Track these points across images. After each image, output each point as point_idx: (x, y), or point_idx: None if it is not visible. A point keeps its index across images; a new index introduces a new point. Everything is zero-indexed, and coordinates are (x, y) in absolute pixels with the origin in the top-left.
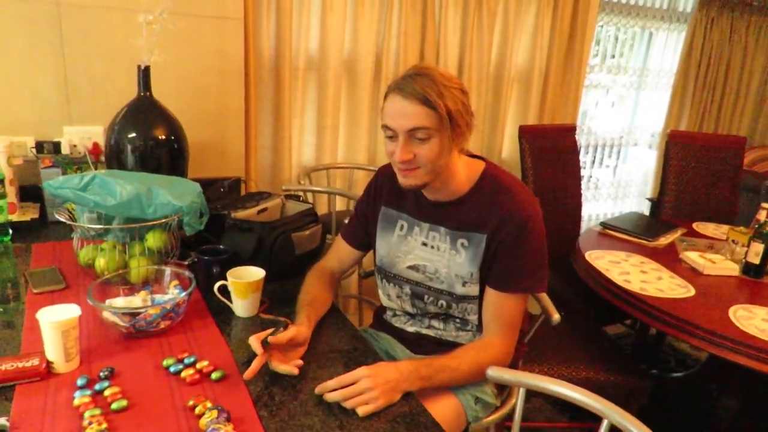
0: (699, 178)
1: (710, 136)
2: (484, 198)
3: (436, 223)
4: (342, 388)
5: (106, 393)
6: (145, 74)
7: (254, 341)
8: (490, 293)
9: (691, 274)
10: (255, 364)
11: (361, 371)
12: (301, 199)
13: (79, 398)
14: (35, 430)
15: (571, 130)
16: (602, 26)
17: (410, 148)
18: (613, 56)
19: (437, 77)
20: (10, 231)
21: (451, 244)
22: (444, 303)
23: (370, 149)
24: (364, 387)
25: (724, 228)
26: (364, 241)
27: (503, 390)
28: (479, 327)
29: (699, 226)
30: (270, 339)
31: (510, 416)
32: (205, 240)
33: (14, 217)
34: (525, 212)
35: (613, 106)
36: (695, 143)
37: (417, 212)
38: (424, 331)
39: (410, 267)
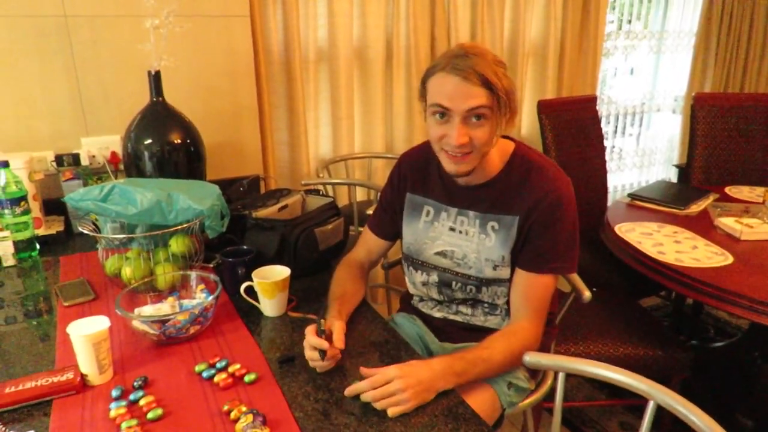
0: (729, 141)
1: (738, 96)
2: (515, 179)
3: (464, 207)
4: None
5: (142, 402)
6: (156, 79)
7: (315, 339)
8: (520, 275)
9: (728, 240)
10: (328, 361)
11: (392, 372)
12: (321, 193)
13: (115, 410)
14: None
15: (591, 101)
16: None
17: (466, 131)
18: (630, 21)
19: (490, 57)
20: (38, 246)
21: (480, 228)
22: (473, 288)
23: (387, 137)
24: (396, 388)
25: (759, 190)
26: (391, 230)
27: (536, 373)
28: (508, 311)
29: (732, 190)
30: (336, 343)
31: (547, 398)
32: (229, 241)
33: (40, 232)
34: (558, 192)
35: (632, 73)
36: (722, 104)
37: (444, 197)
38: (452, 317)
39: (438, 253)
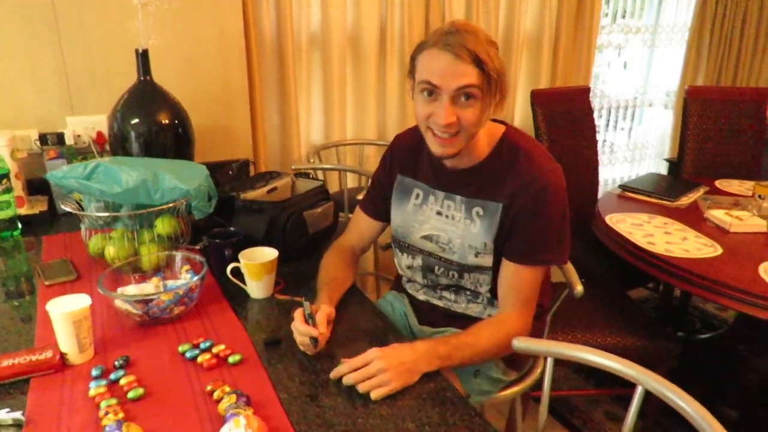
0: (720, 134)
1: (730, 90)
2: (502, 164)
3: (451, 191)
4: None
5: (122, 382)
6: (143, 58)
7: (303, 327)
8: (507, 266)
9: (717, 232)
10: (320, 345)
11: (372, 353)
12: (311, 176)
13: (95, 389)
14: (51, 423)
15: (584, 92)
16: None
17: (454, 110)
18: (624, 15)
19: (482, 36)
20: (20, 225)
21: (466, 213)
22: (455, 274)
23: (379, 124)
24: (376, 369)
25: (749, 184)
26: (383, 211)
27: (515, 364)
28: (490, 300)
29: (722, 183)
30: (318, 327)
31: (533, 387)
32: (216, 224)
33: (23, 211)
34: (544, 179)
35: (626, 67)
36: (715, 98)
37: (433, 180)
38: (435, 302)
39: (424, 237)
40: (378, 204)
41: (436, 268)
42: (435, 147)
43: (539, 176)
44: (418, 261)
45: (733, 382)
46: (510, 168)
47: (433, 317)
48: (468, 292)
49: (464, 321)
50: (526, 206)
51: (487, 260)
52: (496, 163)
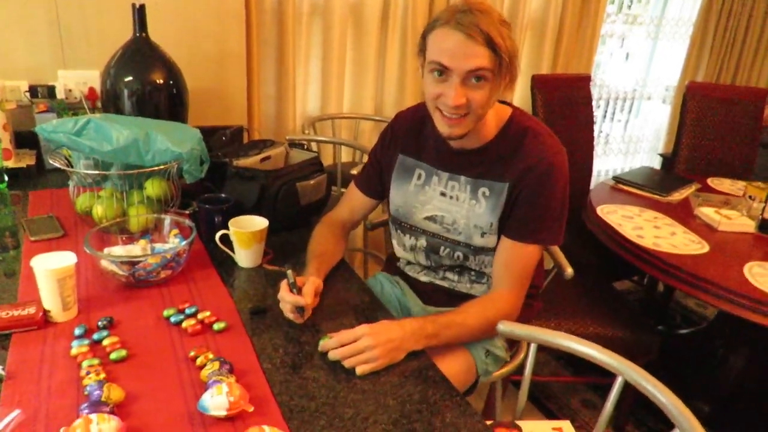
0: (716, 132)
1: (730, 88)
2: (509, 145)
3: (456, 172)
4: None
5: (105, 343)
6: (140, 13)
7: (290, 296)
8: (505, 242)
9: (706, 230)
10: (307, 314)
11: (361, 329)
12: (305, 147)
13: (77, 348)
14: (32, 379)
15: (585, 79)
16: None
17: (464, 92)
18: (630, 6)
19: (495, 16)
20: (6, 178)
21: (471, 194)
22: (461, 254)
23: (377, 99)
24: (365, 345)
25: (741, 184)
26: (378, 189)
27: (513, 344)
28: None
29: (714, 182)
30: (305, 297)
31: (517, 371)
32: (207, 189)
33: (10, 164)
34: (551, 160)
35: (628, 58)
36: (714, 95)
37: (436, 161)
38: (438, 282)
39: (427, 218)
40: (373, 181)
41: (442, 249)
42: (443, 127)
43: (546, 156)
44: (422, 242)
45: (708, 377)
46: (518, 149)
47: (436, 298)
48: (473, 273)
49: (468, 300)
50: (531, 185)
51: (493, 240)
52: (504, 144)
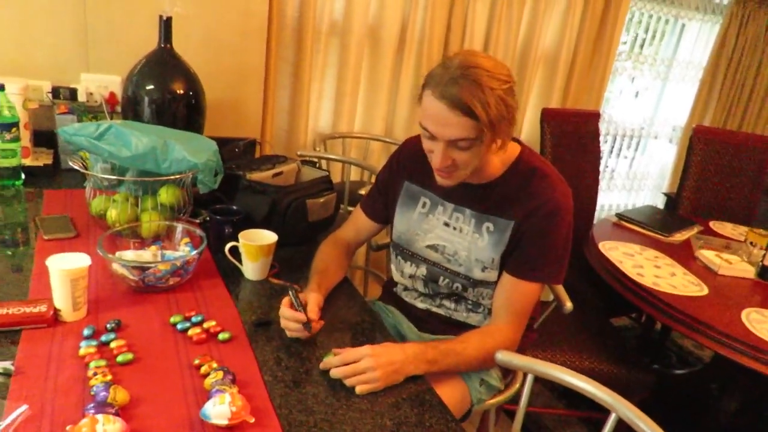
0: (720, 176)
1: (736, 134)
2: (516, 183)
3: (461, 204)
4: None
5: (112, 345)
6: (166, 25)
7: (290, 312)
8: (506, 279)
9: (706, 272)
10: (315, 330)
11: (364, 350)
12: (317, 165)
13: (85, 348)
14: (40, 376)
15: (594, 116)
16: (635, 12)
17: (449, 154)
18: (642, 45)
19: (483, 79)
20: (23, 175)
21: (475, 227)
22: (459, 285)
23: (388, 120)
24: (366, 366)
25: (742, 229)
26: (382, 214)
27: (507, 374)
28: (491, 311)
29: (716, 225)
30: (310, 317)
31: (511, 400)
32: (218, 200)
33: (27, 162)
34: (557, 201)
35: (637, 96)
36: (720, 139)
37: (442, 191)
38: (435, 310)
39: (429, 246)
40: (378, 206)
41: (441, 278)
42: (437, 178)
43: (553, 198)
44: (422, 270)
45: (701, 419)
46: (525, 188)
47: (432, 325)
48: (469, 302)
49: (464, 329)
50: (536, 225)
51: (493, 275)
52: (511, 182)
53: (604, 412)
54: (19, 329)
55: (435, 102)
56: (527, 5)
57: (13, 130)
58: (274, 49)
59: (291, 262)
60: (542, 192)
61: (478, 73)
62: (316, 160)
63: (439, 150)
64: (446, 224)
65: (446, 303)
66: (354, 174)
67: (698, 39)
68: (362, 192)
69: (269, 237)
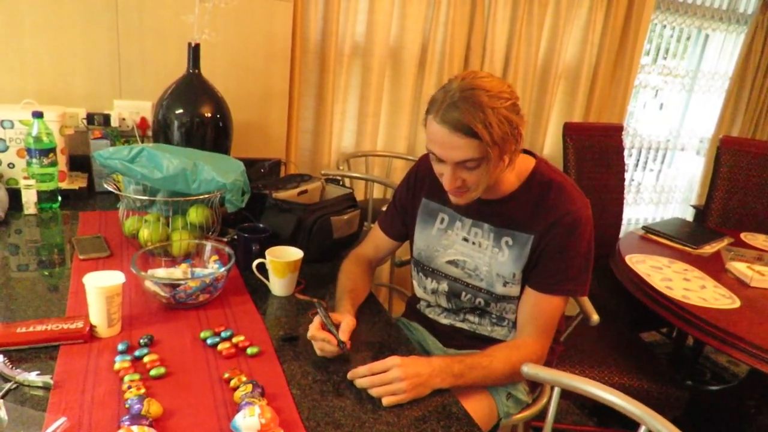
0: (749, 187)
1: (765, 144)
2: (533, 197)
3: (479, 219)
4: (373, 375)
5: (146, 360)
6: (195, 52)
7: (321, 333)
8: (530, 293)
9: (737, 285)
10: (347, 349)
11: (392, 360)
12: (340, 183)
13: (120, 363)
14: (77, 390)
15: (617, 130)
16: (656, 25)
17: (459, 175)
18: (665, 57)
19: (483, 100)
20: (59, 198)
21: (494, 242)
22: (482, 301)
23: (410, 138)
24: (394, 377)
25: None
26: (400, 231)
27: (535, 388)
28: (515, 324)
29: (747, 237)
30: (342, 338)
31: (539, 416)
32: (245, 218)
33: (64, 185)
34: (577, 213)
35: (662, 108)
36: (748, 150)
37: (460, 207)
38: (459, 325)
39: (449, 262)
40: (396, 224)
41: (463, 294)
42: (450, 197)
43: (571, 210)
44: (444, 286)
45: None
46: (542, 201)
47: (457, 340)
48: (493, 316)
49: (489, 343)
50: (557, 239)
51: (515, 290)
52: (528, 196)
53: (635, 429)
54: (57, 345)
55: (437, 127)
56: (547, 21)
57: (51, 155)
58: (297, 72)
59: (317, 278)
60: (561, 205)
61: (477, 94)
62: (339, 178)
63: (448, 172)
64: (465, 239)
65: (470, 317)
66: (377, 191)
67: (723, 49)
68: (384, 209)
69: (295, 253)
